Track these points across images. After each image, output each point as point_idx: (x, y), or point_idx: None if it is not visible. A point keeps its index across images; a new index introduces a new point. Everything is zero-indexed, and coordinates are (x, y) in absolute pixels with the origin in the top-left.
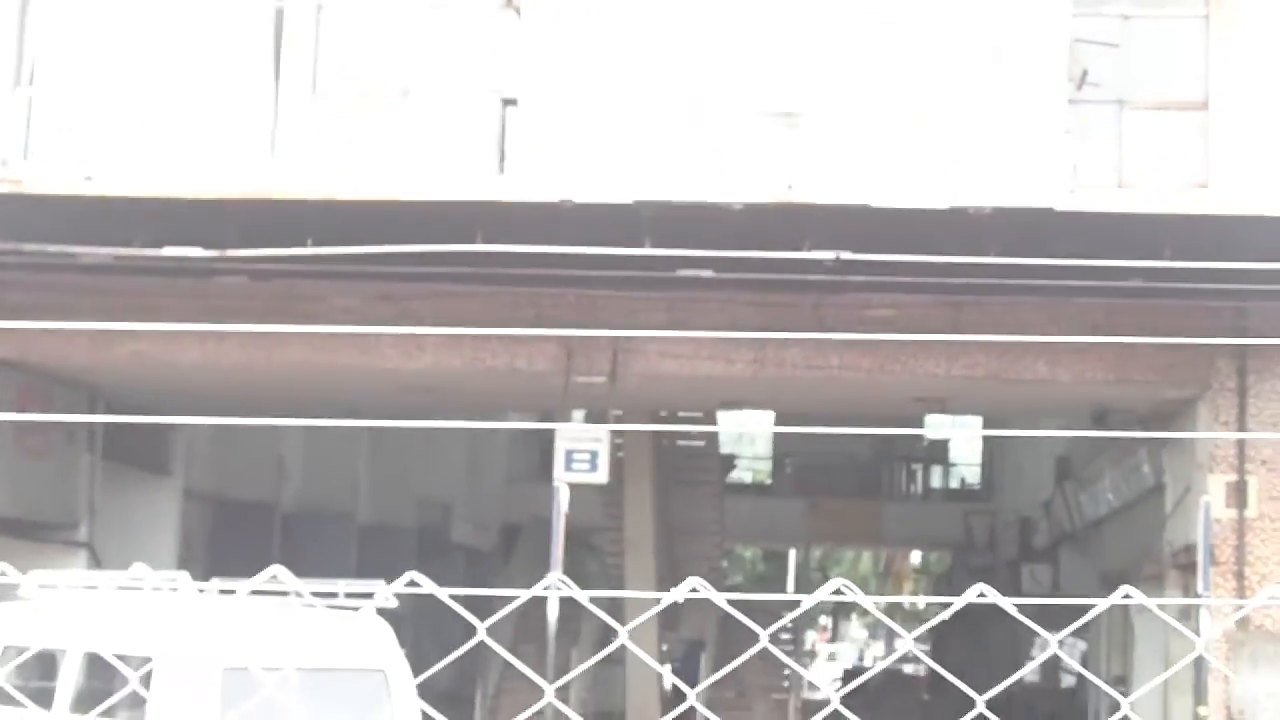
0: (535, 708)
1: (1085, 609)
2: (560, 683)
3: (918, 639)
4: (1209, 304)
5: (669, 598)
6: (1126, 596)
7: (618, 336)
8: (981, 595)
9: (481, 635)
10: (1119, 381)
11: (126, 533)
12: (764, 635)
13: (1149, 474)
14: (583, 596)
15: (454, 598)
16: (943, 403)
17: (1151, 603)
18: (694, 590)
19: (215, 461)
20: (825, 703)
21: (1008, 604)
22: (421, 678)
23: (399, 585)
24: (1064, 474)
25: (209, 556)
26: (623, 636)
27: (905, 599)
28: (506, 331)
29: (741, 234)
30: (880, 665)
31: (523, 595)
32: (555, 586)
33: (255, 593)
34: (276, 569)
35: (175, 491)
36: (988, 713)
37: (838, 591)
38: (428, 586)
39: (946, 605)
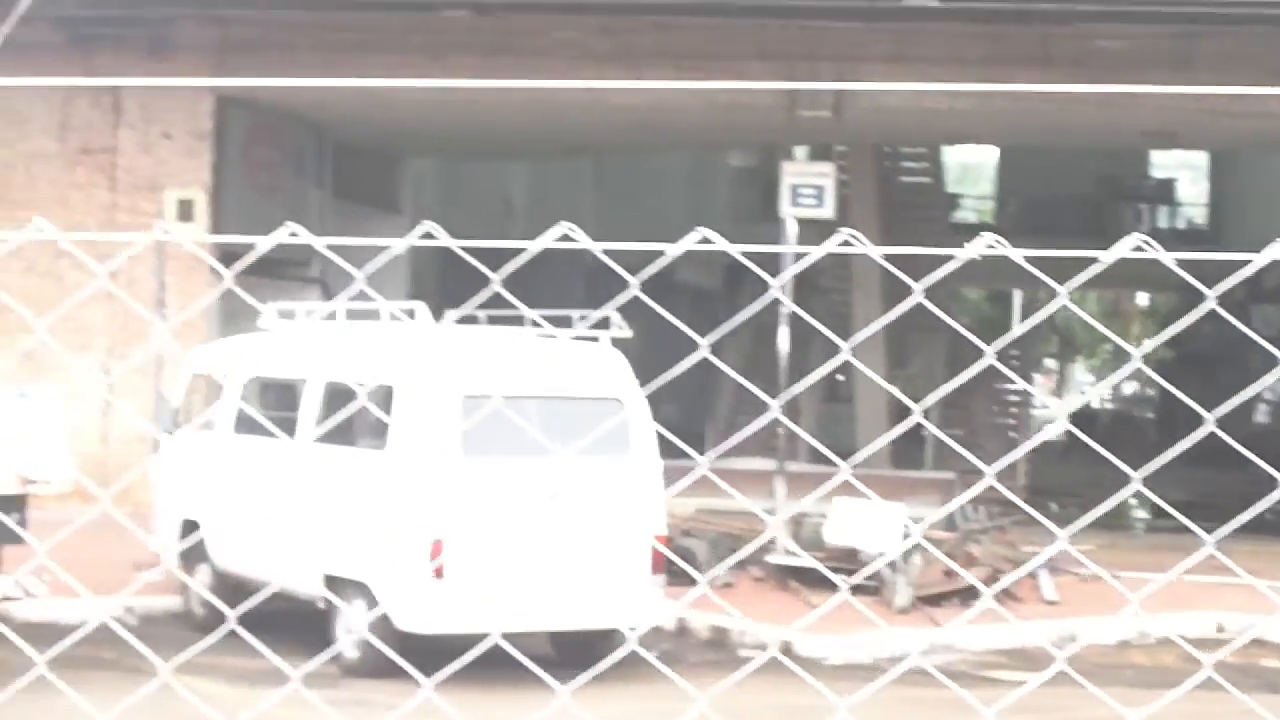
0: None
1: None
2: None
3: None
4: None
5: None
6: None
7: (842, 69)
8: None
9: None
10: None
11: (357, 270)
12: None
13: None
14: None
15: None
16: (1172, 137)
17: None
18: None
19: (443, 200)
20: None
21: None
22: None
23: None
24: None
25: (438, 295)
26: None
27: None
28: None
29: None
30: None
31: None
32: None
33: (492, 321)
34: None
35: (404, 229)
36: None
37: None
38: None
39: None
